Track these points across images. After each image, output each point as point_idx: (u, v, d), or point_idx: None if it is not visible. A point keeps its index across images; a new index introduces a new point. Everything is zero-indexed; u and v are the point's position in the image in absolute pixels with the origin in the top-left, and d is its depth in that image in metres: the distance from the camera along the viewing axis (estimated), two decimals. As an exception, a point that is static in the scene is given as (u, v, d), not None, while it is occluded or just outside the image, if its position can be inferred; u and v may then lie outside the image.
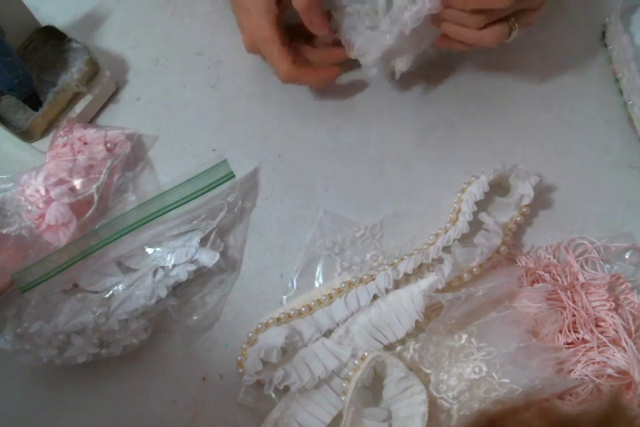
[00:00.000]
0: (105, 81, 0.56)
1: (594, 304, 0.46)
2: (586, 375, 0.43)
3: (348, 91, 0.57)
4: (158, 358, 0.49)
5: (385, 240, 0.51)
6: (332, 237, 0.51)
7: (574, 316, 0.45)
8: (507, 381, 0.42)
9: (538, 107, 0.55)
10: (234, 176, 0.51)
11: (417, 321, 0.45)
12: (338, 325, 0.47)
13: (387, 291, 0.47)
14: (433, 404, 0.43)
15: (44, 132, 0.54)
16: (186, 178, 0.50)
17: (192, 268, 0.49)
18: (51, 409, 0.48)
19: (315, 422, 0.44)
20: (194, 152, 0.55)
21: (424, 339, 0.46)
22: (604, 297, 0.46)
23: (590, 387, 0.43)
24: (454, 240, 0.47)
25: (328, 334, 0.47)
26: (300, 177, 0.54)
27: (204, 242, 0.50)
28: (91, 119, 0.57)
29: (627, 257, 0.49)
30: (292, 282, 0.50)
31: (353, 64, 0.54)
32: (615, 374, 0.43)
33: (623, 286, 0.47)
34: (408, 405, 0.43)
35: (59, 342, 0.46)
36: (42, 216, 0.49)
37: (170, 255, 0.49)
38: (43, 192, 0.49)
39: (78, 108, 0.55)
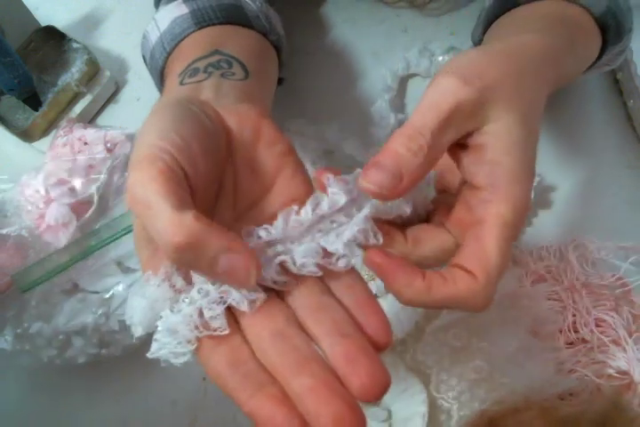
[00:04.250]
0: (105, 81, 0.56)
1: (594, 304, 0.46)
2: (586, 375, 0.43)
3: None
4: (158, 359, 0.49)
5: (385, 240, 0.51)
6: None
7: (574, 316, 0.45)
8: (507, 381, 0.42)
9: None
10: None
11: (417, 321, 0.45)
12: (338, 325, 0.47)
13: (387, 291, 0.47)
14: (433, 404, 0.43)
15: (44, 132, 0.54)
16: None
17: (192, 268, 0.49)
18: (51, 409, 0.48)
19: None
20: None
21: (424, 339, 0.46)
22: (604, 297, 0.46)
23: (590, 387, 0.43)
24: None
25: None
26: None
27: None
28: (91, 119, 0.57)
29: (627, 257, 0.49)
30: (292, 282, 0.50)
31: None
32: (615, 374, 0.43)
33: (623, 286, 0.47)
34: (408, 405, 0.43)
35: (59, 342, 0.46)
36: (42, 216, 0.49)
37: (170, 255, 0.49)
38: (43, 192, 0.49)
39: (78, 108, 0.55)
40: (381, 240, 0.29)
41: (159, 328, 0.28)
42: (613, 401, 0.36)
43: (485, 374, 0.43)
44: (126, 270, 0.49)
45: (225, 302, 0.27)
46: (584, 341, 0.45)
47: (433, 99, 0.29)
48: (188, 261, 0.26)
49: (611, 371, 0.43)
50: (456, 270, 0.29)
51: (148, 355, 0.28)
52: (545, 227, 0.51)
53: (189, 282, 0.28)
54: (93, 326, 0.46)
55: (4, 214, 0.50)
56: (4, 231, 0.50)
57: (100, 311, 0.47)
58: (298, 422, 0.24)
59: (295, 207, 0.29)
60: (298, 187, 0.31)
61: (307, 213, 0.29)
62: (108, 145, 0.52)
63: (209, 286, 0.27)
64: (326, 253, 0.29)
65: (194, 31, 0.41)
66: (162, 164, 0.27)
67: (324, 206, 0.29)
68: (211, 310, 0.27)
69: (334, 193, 0.29)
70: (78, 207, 0.50)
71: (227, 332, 0.27)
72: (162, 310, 0.28)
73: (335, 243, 0.29)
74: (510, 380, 0.42)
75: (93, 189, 0.51)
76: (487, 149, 0.29)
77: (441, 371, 0.44)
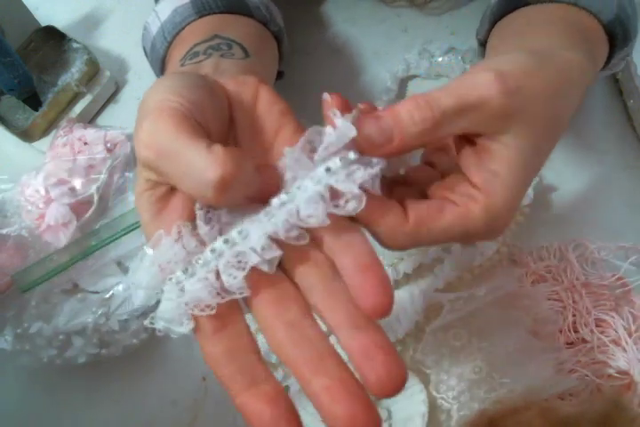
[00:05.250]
0: (105, 81, 0.56)
1: (594, 304, 0.46)
2: (586, 375, 0.43)
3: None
4: (158, 358, 0.49)
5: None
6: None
7: (574, 316, 0.45)
8: (507, 381, 0.42)
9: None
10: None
11: (417, 321, 0.45)
12: (338, 325, 0.47)
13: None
14: (433, 404, 0.43)
15: (44, 132, 0.54)
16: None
17: (192, 268, 0.49)
18: (51, 409, 0.48)
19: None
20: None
21: (424, 339, 0.46)
22: (604, 297, 0.46)
23: (590, 387, 0.43)
24: (454, 240, 0.47)
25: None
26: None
27: (203, 242, 0.50)
28: (91, 119, 0.57)
29: (627, 257, 0.49)
30: (292, 282, 0.50)
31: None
32: (615, 374, 0.43)
33: (623, 286, 0.47)
34: (408, 405, 0.43)
35: (59, 342, 0.46)
36: (42, 216, 0.49)
37: (170, 255, 0.49)
38: (43, 192, 0.49)
39: (78, 108, 0.55)
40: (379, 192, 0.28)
41: (168, 288, 0.26)
42: (613, 401, 0.36)
43: (485, 375, 0.43)
44: (126, 270, 0.49)
45: (244, 268, 0.26)
46: (584, 341, 0.45)
47: (462, 85, 0.28)
48: (231, 193, 0.25)
49: (611, 371, 0.43)
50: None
51: (157, 313, 0.27)
52: (545, 227, 0.51)
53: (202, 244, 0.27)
54: (93, 326, 0.46)
55: (3, 214, 0.50)
56: (4, 231, 0.50)
57: (100, 311, 0.47)
58: (285, 423, 0.25)
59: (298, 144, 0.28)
60: None
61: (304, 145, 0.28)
62: (108, 145, 0.52)
63: (222, 246, 0.26)
64: (334, 195, 0.26)
65: (195, 20, 0.42)
66: (178, 112, 0.27)
67: (332, 138, 0.27)
68: (230, 274, 0.26)
69: (343, 125, 0.27)
70: (78, 207, 0.50)
71: (248, 294, 0.27)
72: (172, 273, 0.27)
73: (346, 182, 0.26)
74: (510, 380, 0.42)
75: (93, 189, 0.51)
76: (493, 158, 0.29)
77: (441, 371, 0.44)
